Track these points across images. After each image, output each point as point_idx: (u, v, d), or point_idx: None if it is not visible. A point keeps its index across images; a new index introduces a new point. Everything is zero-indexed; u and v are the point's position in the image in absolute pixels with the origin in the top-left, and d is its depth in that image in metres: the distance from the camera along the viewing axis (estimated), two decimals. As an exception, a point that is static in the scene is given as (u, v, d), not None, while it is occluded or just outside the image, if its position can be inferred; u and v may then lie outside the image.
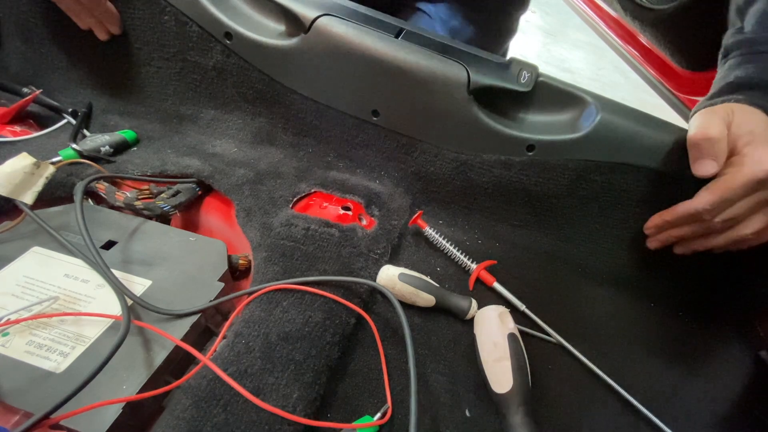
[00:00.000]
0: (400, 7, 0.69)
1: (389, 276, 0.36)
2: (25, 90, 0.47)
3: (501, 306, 0.35)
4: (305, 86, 0.46)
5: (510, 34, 0.73)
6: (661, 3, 0.73)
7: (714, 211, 0.35)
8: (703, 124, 0.35)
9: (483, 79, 0.40)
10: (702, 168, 0.35)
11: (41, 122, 0.47)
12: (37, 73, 0.50)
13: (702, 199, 0.35)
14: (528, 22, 2.64)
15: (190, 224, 0.44)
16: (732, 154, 0.35)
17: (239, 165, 0.44)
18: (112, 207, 0.39)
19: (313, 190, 0.43)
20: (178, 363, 0.30)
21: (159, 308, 0.31)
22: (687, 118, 0.87)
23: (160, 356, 0.29)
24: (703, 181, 0.36)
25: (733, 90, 0.38)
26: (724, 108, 0.36)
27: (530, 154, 0.42)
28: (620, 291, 0.45)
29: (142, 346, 0.29)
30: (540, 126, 0.43)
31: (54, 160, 0.40)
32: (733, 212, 0.35)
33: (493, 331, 0.33)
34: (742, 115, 0.35)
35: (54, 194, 0.38)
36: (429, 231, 0.42)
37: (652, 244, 0.42)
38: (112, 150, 0.44)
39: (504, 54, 0.76)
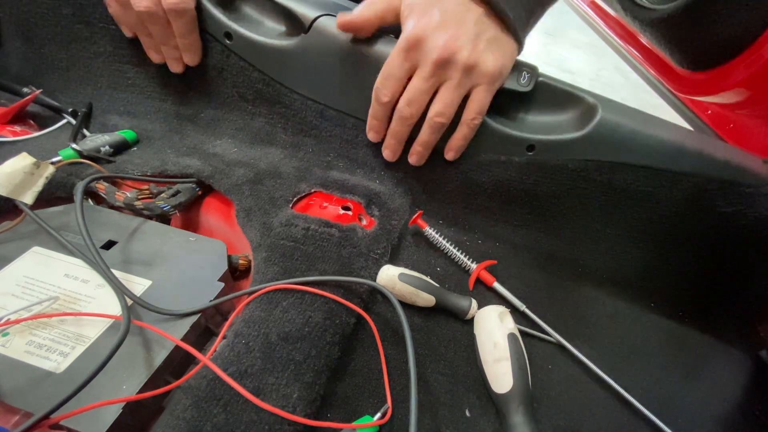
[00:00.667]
0: None
1: (389, 276, 0.36)
2: (25, 90, 0.47)
3: (501, 306, 0.35)
4: (305, 86, 0.45)
5: None
6: (661, 3, 0.73)
7: (382, 86, 0.36)
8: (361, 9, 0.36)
9: None
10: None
11: (41, 122, 0.47)
12: (37, 73, 0.50)
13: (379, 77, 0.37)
14: (528, 22, 2.63)
15: (190, 224, 0.44)
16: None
17: (239, 165, 0.44)
18: (112, 207, 0.39)
19: (313, 190, 0.43)
20: (178, 363, 0.30)
21: (159, 308, 0.30)
22: (687, 118, 0.87)
23: (160, 356, 0.29)
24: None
25: None
26: None
27: (530, 154, 0.42)
28: (620, 291, 0.45)
29: (142, 346, 0.29)
30: (540, 126, 0.43)
31: (54, 160, 0.40)
32: (411, 94, 0.35)
33: (493, 331, 0.33)
34: None
35: (54, 194, 0.38)
36: (429, 231, 0.42)
37: (385, 155, 0.42)
38: (112, 150, 0.44)
39: None
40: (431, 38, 0.32)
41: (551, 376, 0.36)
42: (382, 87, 0.37)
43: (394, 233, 0.41)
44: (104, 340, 0.29)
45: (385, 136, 0.42)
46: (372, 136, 0.43)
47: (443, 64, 0.32)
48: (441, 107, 0.35)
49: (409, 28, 0.32)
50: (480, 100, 0.36)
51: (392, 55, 0.35)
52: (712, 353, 0.42)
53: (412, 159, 0.42)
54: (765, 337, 0.45)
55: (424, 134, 0.39)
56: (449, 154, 0.42)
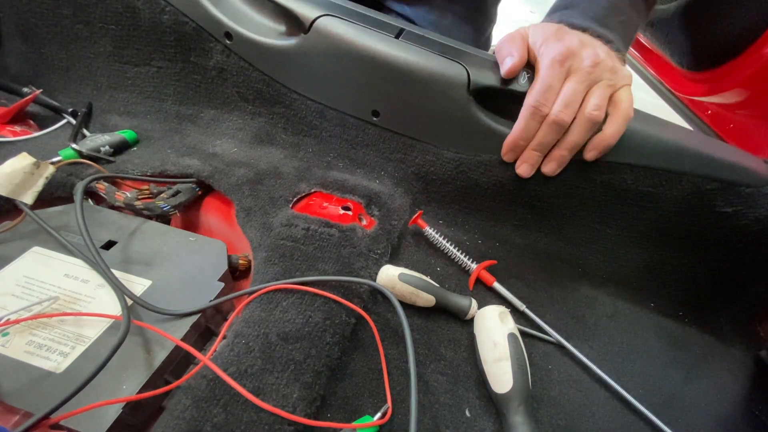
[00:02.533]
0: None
1: (389, 276, 0.36)
2: (25, 90, 0.47)
3: (501, 306, 0.35)
4: (305, 86, 0.46)
5: (489, 23, 0.77)
6: (661, 3, 0.73)
7: (544, 99, 0.38)
8: (504, 51, 0.40)
9: (483, 79, 0.40)
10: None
11: (41, 122, 0.47)
12: (37, 73, 0.50)
13: (530, 95, 0.39)
14: (527, 23, 2.64)
15: (190, 224, 0.44)
16: (536, 59, 0.39)
17: (239, 165, 0.44)
18: (112, 207, 0.39)
19: (313, 190, 0.43)
20: (178, 363, 0.30)
21: (159, 308, 0.31)
22: (687, 118, 0.87)
23: (160, 356, 0.29)
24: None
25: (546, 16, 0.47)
26: (518, 31, 0.42)
27: (530, 154, 0.42)
28: (620, 291, 0.45)
29: (142, 346, 0.29)
30: (540, 126, 0.43)
31: (54, 160, 0.40)
32: (567, 97, 0.38)
33: (493, 331, 0.33)
34: (535, 29, 0.41)
35: (54, 194, 0.38)
36: (429, 231, 0.42)
37: (522, 170, 0.42)
38: (112, 150, 0.44)
39: (487, 43, 0.79)
40: (581, 50, 0.38)
41: (551, 376, 0.36)
42: (544, 99, 0.38)
43: (394, 233, 0.41)
44: (104, 340, 0.29)
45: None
46: (511, 156, 0.42)
47: (595, 67, 0.38)
48: (599, 101, 0.38)
49: (557, 46, 0.38)
50: (630, 96, 0.40)
51: (549, 68, 0.37)
52: (712, 353, 0.42)
53: (551, 166, 0.41)
54: (765, 337, 0.45)
55: (576, 135, 0.39)
56: (591, 153, 0.40)
